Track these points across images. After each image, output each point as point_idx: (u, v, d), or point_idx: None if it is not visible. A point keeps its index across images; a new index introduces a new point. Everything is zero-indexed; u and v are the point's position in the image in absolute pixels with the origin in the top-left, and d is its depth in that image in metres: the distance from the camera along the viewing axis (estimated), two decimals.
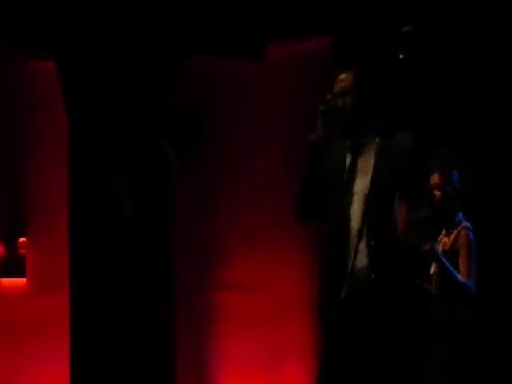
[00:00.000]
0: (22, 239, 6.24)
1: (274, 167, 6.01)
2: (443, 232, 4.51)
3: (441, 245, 4.46)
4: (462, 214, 4.49)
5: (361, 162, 3.40)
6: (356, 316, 3.29)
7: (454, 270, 4.33)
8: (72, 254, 5.55)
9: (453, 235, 4.43)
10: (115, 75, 5.30)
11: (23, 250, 6.23)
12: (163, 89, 5.63)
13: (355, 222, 3.35)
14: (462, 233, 4.40)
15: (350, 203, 3.37)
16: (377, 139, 3.41)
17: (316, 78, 5.90)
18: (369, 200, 3.32)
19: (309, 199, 3.47)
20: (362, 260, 3.33)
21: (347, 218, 3.37)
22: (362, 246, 3.33)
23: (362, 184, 3.37)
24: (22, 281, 6.22)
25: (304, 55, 6.01)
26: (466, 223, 4.45)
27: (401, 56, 3.30)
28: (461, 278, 4.32)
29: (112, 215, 5.56)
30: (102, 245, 5.42)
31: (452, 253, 4.39)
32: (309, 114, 5.90)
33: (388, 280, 3.31)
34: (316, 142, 3.42)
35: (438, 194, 4.42)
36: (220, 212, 6.09)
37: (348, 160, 3.45)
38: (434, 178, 4.41)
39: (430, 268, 4.44)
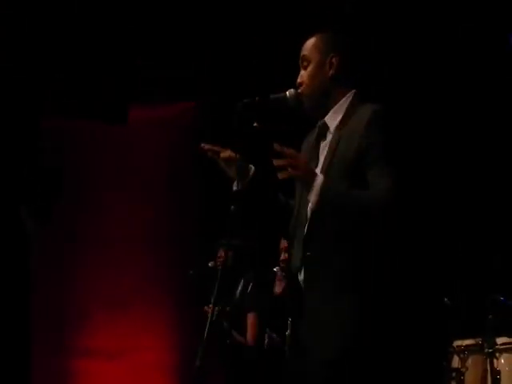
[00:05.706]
0: None
1: (136, 232, 5.96)
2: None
3: None
4: None
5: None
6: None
7: None
8: None
9: None
10: None
11: None
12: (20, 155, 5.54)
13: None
14: None
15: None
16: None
17: (179, 140, 5.99)
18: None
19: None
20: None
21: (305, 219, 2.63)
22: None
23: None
24: None
25: (168, 119, 6.07)
26: None
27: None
28: None
29: None
30: None
31: None
32: (173, 176, 5.98)
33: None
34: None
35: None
36: (80, 275, 5.95)
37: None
38: (284, 243, 4.44)
39: None
